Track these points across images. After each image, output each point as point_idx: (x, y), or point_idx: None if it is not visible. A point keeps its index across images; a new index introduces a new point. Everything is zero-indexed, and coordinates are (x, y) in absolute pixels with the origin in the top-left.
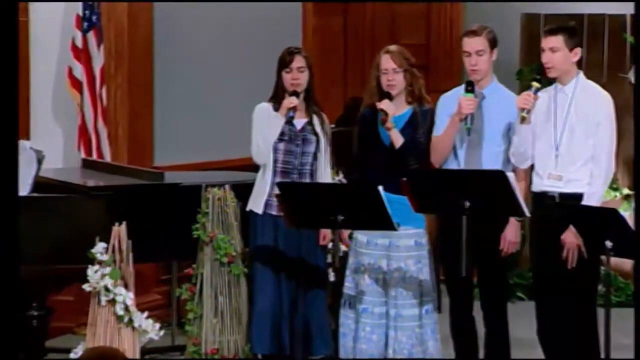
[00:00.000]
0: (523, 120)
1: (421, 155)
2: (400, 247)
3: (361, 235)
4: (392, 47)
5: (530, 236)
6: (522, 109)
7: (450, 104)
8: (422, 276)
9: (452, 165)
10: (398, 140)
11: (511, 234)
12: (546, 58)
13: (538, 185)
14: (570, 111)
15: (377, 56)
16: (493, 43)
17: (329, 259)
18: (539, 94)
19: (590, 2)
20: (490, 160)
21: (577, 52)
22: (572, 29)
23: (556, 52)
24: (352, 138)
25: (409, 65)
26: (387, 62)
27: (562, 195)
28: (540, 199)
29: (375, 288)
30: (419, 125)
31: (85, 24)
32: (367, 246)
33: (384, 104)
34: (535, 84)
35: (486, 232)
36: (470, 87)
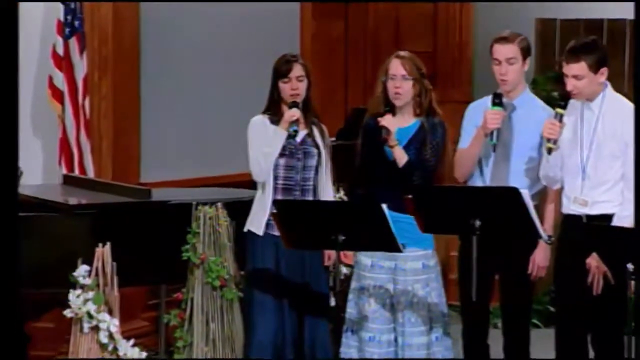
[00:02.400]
0: (550, 151)
1: (427, 173)
2: (407, 270)
3: (365, 258)
4: (404, 53)
5: (555, 259)
6: (548, 139)
7: (478, 114)
8: (430, 301)
9: (477, 182)
10: (402, 158)
11: (540, 258)
12: (570, 85)
13: (566, 208)
14: (597, 129)
15: (386, 61)
16: (526, 52)
17: (330, 282)
18: (565, 118)
19: (611, 2)
20: (518, 178)
21: (604, 72)
22: (595, 48)
23: (582, 79)
24: (355, 150)
25: (420, 75)
26: (396, 67)
27: (590, 217)
28: (568, 221)
29: (381, 314)
30: (427, 140)
31: (67, 29)
32: (372, 269)
33: (386, 121)
34: (560, 111)
35: (513, 254)
36: (497, 100)
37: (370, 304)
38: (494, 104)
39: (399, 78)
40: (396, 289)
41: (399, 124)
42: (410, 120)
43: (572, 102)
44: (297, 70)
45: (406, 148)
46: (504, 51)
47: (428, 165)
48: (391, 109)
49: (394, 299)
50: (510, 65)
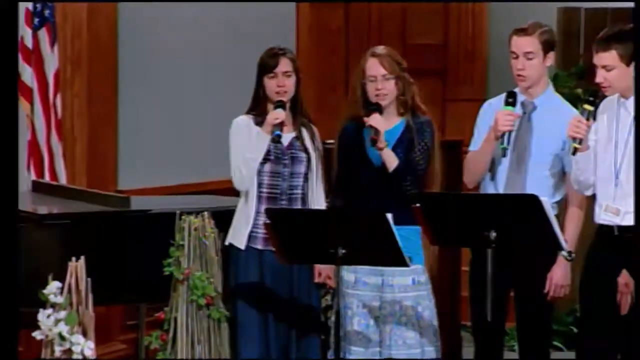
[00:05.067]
0: (575, 151)
1: (419, 177)
2: (395, 286)
3: (348, 273)
4: (380, 49)
5: (583, 274)
6: (574, 139)
7: (494, 113)
8: (422, 320)
9: (488, 188)
10: (392, 162)
11: (559, 276)
12: (600, 77)
13: (597, 217)
14: (633, 130)
15: (361, 60)
16: (548, 45)
17: (329, 300)
18: (598, 114)
19: None
20: (536, 185)
21: None
22: (629, 37)
23: (611, 70)
24: (331, 159)
25: (401, 70)
26: (375, 67)
27: (621, 229)
28: (599, 233)
29: (365, 335)
30: (415, 141)
31: (37, 19)
32: (355, 286)
33: (374, 120)
34: (588, 107)
35: (529, 269)
36: (511, 99)
37: (352, 324)
38: (507, 103)
39: (380, 79)
40: (383, 307)
41: (384, 126)
42: (395, 120)
43: (608, 99)
44: (285, 64)
45: (393, 151)
46: (522, 44)
47: (419, 168)
48: (378, 107)
49: (380, 319)
50: (528, 60)
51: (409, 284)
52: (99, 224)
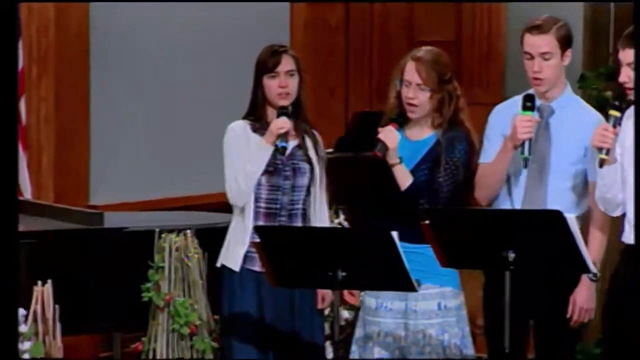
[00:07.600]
0: (602, 163)
1: (438, 200)
2: (418, 312)
3: (369, 298)
4: (423, 53)
5: (609, 300)
6: (600, 149)
7: (506, 119)
8: (449, 350)
9: (504, 205)
10: (404, 179)
11: (583, 298)
12: (625, 76)
13: (628, 237)
14: None
15: (402, 59)
16: (565, 42)
17: (327, 329)
18: (624, 120)
19: None
20: (557, 199)
21: None
22: None
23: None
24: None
25: (442, 82)
26: (411, 73)
27: None
28: (629, 254)
29: None
30: (442, 158)
31: None
32: (377, 313)
33: (385, 134)
34: (614, 113)
35: (549, 292)
36: (529, 103)
37: (373, 355)
38: (525, 108)
39: (413, 87)
40: (407, 336)
41: (413, 136)
42: (427, 132)
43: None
44: (287, 62)
45: (417, 167)
46: (537, 44)
47: (440, 190)
48: (403, 116)
49: (405, 350)
50: (545, 61)
51: (434, 309)
52: (68, 244)
